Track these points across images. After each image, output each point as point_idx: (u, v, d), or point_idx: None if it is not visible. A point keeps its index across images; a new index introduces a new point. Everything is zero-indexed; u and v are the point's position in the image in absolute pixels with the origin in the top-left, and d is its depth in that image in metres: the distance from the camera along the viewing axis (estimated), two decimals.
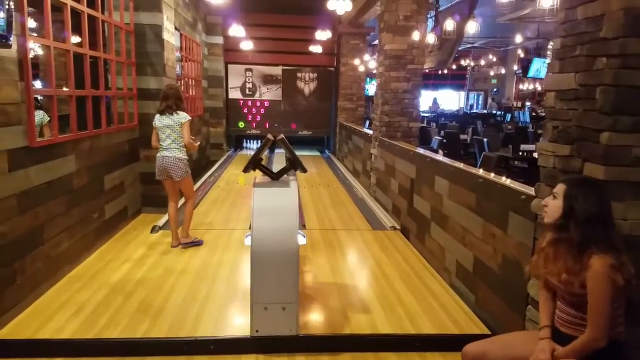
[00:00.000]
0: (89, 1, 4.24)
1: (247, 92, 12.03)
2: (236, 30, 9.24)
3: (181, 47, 7.60)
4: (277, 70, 12.00)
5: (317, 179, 8.36)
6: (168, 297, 3.40)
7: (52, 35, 3.56)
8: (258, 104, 12.10)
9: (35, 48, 5.63)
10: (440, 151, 6.38)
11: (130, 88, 5.27)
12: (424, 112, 17.18)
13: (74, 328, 2.92)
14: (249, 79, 11.96)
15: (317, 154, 12.10)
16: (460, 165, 3.79)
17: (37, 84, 6.31)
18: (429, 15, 7.96)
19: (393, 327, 3.02)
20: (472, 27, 8.04)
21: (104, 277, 3.71)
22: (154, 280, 3.70)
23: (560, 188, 1.94)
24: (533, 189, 2.52)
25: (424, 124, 12.38)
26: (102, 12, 4.73)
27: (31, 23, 4.83)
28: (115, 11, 4.91)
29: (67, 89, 4.00)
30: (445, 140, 8.95)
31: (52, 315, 3.07)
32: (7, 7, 2.67)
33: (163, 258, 4.20)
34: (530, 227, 2.56)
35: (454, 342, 2.84)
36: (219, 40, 10.74)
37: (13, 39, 2.87)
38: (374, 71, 15.94)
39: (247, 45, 10.66)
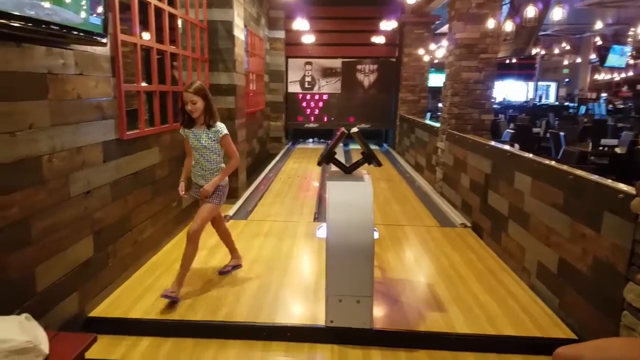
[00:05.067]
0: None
1: (306, 85, 12.11)
2: (298, 24, 9.32)
3: (247, 43, 7.76)
4: (336, 63, 11.98)
5: (377, 173, 8.23)
6: (244, 285, 3.52)
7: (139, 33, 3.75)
8: (317, 97, 12.15)
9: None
10: (517, 145, 6.10)
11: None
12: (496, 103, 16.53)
13: (160, 309, 3.10)
14: (308, 73, 12.04)
15: (376, 147, 11.98)
16: (546, 160, 3.60)
17: None
18: (503, 2, 7.62)
19: (471, 328, 2.94)
20: (557, 14, 7.61)
21: None
22: None
23: None
24: (634, 187, 2.35)
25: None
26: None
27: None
28: (190, 8, 5.09)
29: (151, 85, 4.20)
30: (517, 134, 8.56)
31: (139, 297, 3.27)
32: (102, 7, 2.84)
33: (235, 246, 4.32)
34: (628, 228, 2.39)
35: (537, 346, 2.74)
36: (281, 34, 10.87)
37: (106, 38, 3.05)
38: (436, 61, 15.57)
39: (307, 39, 10.73)
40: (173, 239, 4.46)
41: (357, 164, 3.28)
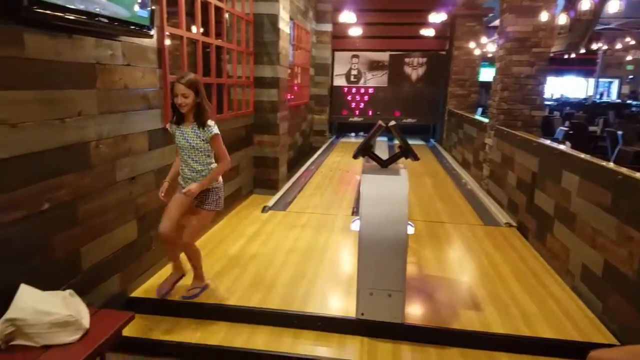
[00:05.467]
0: None
1: (352, 79, 12.04)
2: (346, 16, 9.26)
3: (293, 36, 7.81)
4: (383, 56, 11.83)
5: (421, 169, 8.12)
6: (278, 273, 3.58)
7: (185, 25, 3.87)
8: (362, 90, 12.05)
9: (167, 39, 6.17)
10: (568, 143, 5.82)
11: (248, 76, 5.56)
12: (545, 99, 15.78)
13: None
14: (354, 66, 11.95)
15: (422, 142, 11.75)
16: (594, 159, 3.41)
17: None
18: None
19: (506, 328, 2.85)
20: (613, 6, 7.15)
21: (221, 250, 4.01)
22: (266, 255, 3.92)
23: None
24: None
25: (547, 113, 11.39)
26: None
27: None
28: (237, 2, 5.19)
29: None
30: (571, 132, 8.15)
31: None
32: (149, 1, 2.95)
33: (273, 236, 4.41)
34: None
35: (575, 349, 2.62)
36: (328, 27, 10.83)
37: (153, 30, 3.17)
38: (489, 55, 15.03)
39: (355, 32, 10.64)
40: (214, 227, 4.59)
41: (394, 158, 3.24)
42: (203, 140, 2.86)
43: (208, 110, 2.88)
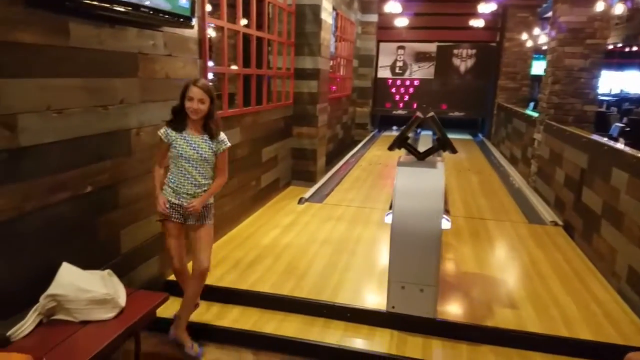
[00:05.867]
0: None
1: (397, 70, 11.84)
2: (392, 6, 9.10)
3: (336, 27, 7.76)
4: (431, 47, 11.56)
5: (467, 165, 7.91)
6: (311, 263, 3.60)
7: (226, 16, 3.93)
8: (407, 83, 11.84)
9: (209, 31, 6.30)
10: (622, 140, 5.48)
11: (288, 68, 5.59)
12: (603, 94, 14.88)
13: (231, 279, 3.30)
14: (400, 57, 11.74)
15: (469, 137, 11.42)
16: None
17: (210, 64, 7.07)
18: None
19: (544, 328, 2.74)
20: None
21: (256, 239, 4.08)
22: (299, 246, 3.94)
23: None
24: None
25: (603, 109, 10.76)
26: None
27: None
28: None
29: (236, 68, 4.40)
30: (628, 128, 7.66)
31: (214, 266, 3.44)
32: None
33: (307, 227, 4.44)
34: None
35: (615, 353, 2.47)
36: (374, 18, 10.67)
37: (194, 21, 3.24)
38: (544, 47, 14.33)
39: (401, 22, 10.44)
40: (250, 217, 4.68)
41: (430, 151, 3.17)
42: (214, 152, 2.56)
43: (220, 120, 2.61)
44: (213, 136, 2.54)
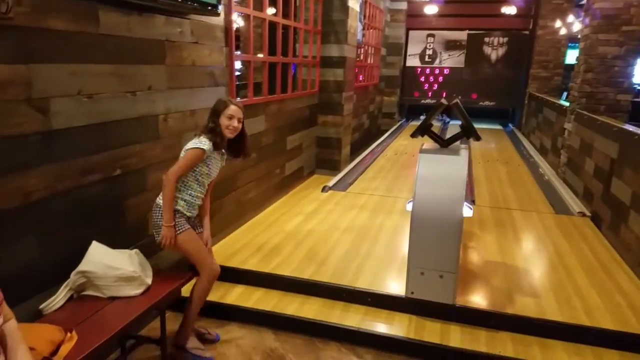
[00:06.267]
0: None
1: (427, 59, 11.65)
2: None
3: (364, 15, 7.70)
4: (461, 35, 11.33)
5: (495, 155, 7.78)
6: (332, 249, 3.64)
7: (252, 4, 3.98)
8: (437, 71, 11.64)
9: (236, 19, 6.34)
10: None
11: (314, 56, 5.60)
12: (638, 83, 14.24)
13: (254, 262, 3.38)
14: (429, 45, 11.55)
15: (499, 127, 11.18)
16: None
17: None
18: None
19: (564, 317, 2.72)
20: None
21: (279, 225, 4.14)
22: (322, 233, 3.99)
23: None
24: None
25: (639, 98, 10.31)
26: None
27: None
28: None
29: (262, 56, 4.45)
30: None
31: (238, 250, 3.58)
32: None
33: (330, 215, 4.48)
34: None
35: (638, 343, 2.44)
36: (403, 5, 10.53)
37: (221, 9, 3.30)
38: (579, 36, 13.83)
39: (431, 10, 10.26)
40: (274, 203, 4.75)
41: (454, 138, 3.15)
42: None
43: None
44: (247, 155, 2.66)
